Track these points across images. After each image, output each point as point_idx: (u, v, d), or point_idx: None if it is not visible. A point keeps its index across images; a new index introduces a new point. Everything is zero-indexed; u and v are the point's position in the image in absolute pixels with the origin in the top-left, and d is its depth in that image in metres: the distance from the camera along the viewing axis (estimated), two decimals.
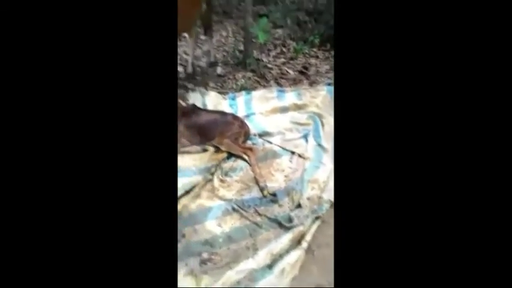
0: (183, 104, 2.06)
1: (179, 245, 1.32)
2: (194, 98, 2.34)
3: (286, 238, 1.34)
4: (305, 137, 1.99)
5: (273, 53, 3.24)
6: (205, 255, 1.28)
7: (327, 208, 1.51)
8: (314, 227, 1.43)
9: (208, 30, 2.95)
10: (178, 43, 3.46)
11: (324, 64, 3.01)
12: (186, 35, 2.80)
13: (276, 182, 1.66)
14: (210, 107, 2.27)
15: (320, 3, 3.95)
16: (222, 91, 2.60)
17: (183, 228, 1.39)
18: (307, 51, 3.18)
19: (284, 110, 2.26)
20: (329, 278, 1.22)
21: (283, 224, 1.42)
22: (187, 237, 1.36)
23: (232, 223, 1.44)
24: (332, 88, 2.34)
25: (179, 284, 1.17)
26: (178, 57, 3.25)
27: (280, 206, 1.53)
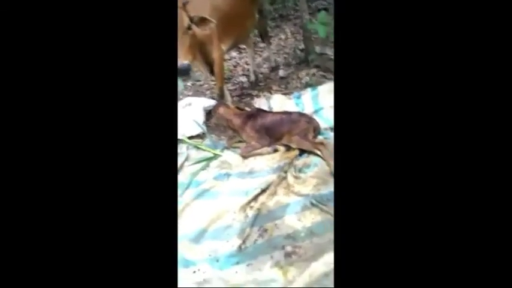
0: (248, 109, 2.14)
1: (262, 239, 1.35)
2: (259, 103, 2.40)
3: None
4: None
5: None
6: (289, 248, 1.28)
7: None
8: None
9: (265, 37, 3.04)
10: (239, 55, 3.65)
11: None
12: (244, 46, 2.93)
13: None
14: (276, 109, 2.30)
15: None
16: (287, 92, 2.61)
17: (264, 224, 1.42)
18: None
19: None
20: None
21: None
22: (270, 232, 1.38)
23: (312, 218, 1.41)
24: None
25: (265, 276, 1.20)
26: (241, 68, 3.42)
27: None
